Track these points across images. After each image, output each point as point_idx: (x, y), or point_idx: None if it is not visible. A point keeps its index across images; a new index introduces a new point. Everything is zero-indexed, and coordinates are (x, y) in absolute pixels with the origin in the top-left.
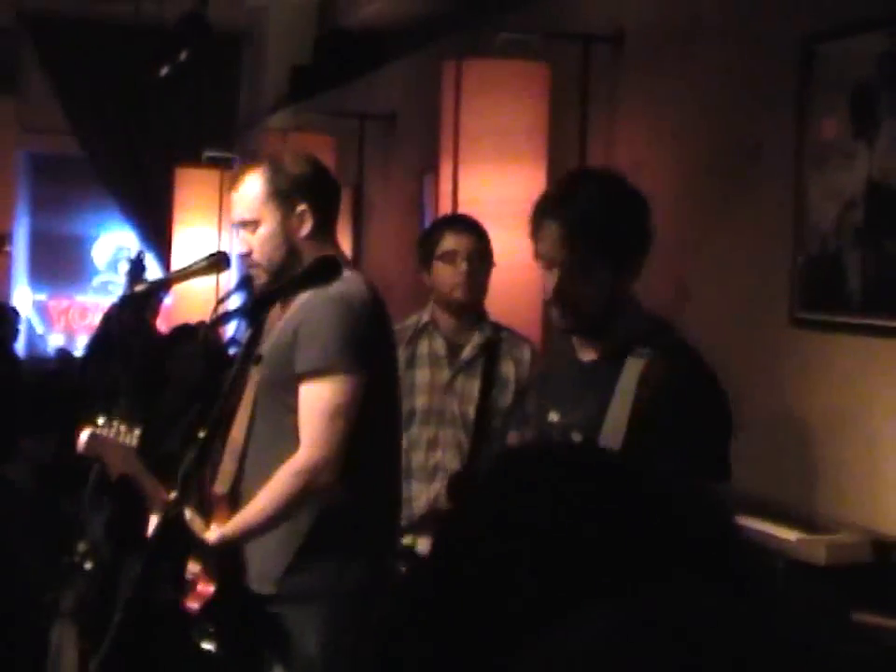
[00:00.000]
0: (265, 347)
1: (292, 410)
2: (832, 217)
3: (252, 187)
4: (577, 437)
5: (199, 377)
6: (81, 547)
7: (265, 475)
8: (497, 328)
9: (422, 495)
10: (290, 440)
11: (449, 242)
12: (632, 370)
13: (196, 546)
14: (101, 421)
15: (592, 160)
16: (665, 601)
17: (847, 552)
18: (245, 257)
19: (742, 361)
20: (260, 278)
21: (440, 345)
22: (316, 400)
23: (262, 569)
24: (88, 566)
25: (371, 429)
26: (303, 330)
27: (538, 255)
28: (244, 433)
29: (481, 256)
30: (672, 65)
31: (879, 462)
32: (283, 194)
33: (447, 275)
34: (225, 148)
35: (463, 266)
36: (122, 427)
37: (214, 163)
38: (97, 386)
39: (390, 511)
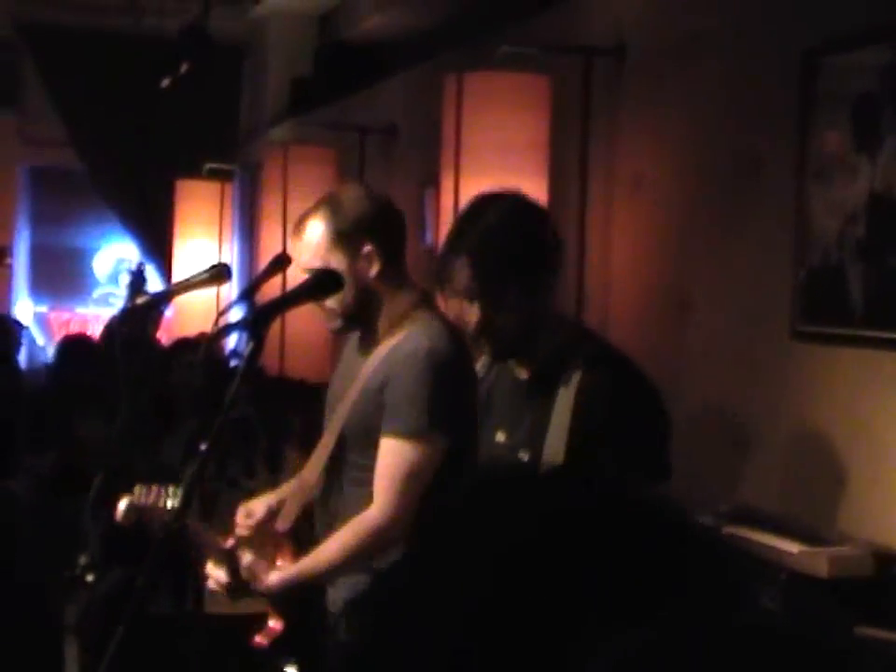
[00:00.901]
0: (346, 396)
1: (364, 468)
2: (833, 231)
3: (314, 232)
4: (524, 455)
5: (200, 390)
6: (82, 560)
7: (340, 518)
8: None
9: None
10: (361, 493)
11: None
12: (568, 384)
13: (261, 591)
14: (137, 490)
15: (593, 173)
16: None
17: (850, 564)
18: (319, 304)
19: (744, 374)
20: (334, 324)
21: None
22: (397, 462)
23: (336, 597)
24: (89, 578)
25: (444, 484)
26: (390, 391)
27: (453, 291)
28: (316, 474)
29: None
30: (673, 79)
31: (882, 474)
32: (347, 237)
33: (461, 311)
34: (226, 161)
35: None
36: (162, 490)
37: (214, 175)
38: (80, 390)
39: None
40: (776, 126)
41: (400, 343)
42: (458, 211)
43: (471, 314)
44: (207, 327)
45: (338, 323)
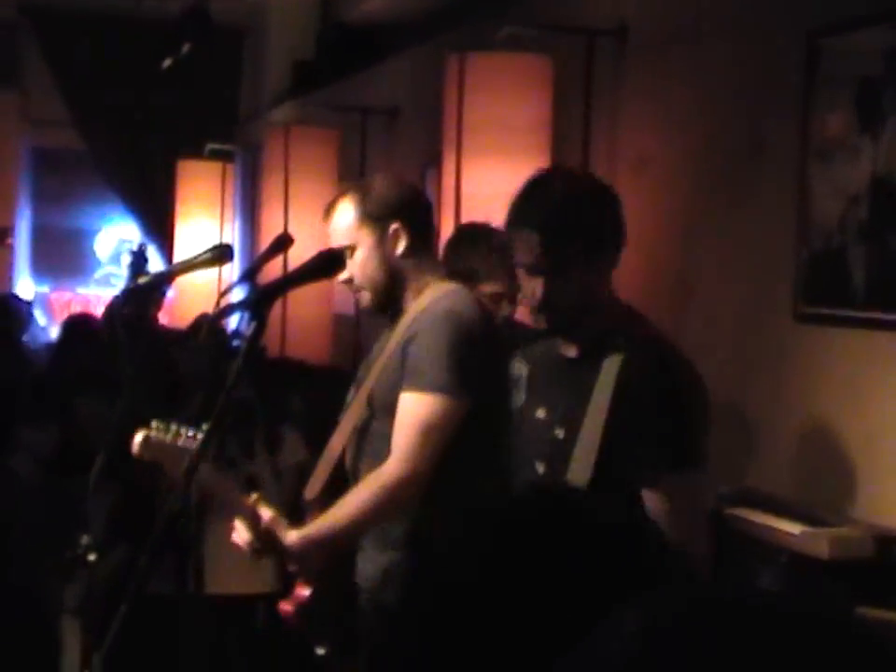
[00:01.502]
0: (374, 366)
1: (390, 435)
2: (836, 213)
3: (345, 214)
4: (559, 433)
5: (202, 370)
6: (84, 539)
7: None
8: (510, 325)
9: None
10: (385, 459)
11: (495, 286)
12: (611, 365)
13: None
14: (155, 424)
15: (595, 153)
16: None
17: (851, 545)
18: (348, 283)
19: (746, 356)
20: (364, 300)
21: None
22: (413, 414)
23: (366, 569)
24: (91, 558)
25: (472, 458)
26: (412, 349)
27: (517, 262)
28: (343, 442)
29: (515, 295)
30: (675, 59)
31: (884, 456)
32: (375, 216)
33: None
34: (227, 142)
35: (508, 310)
36: (182, 430)
37: (216, 156)
38: (82, 370)
39: None
40: (778, 108)
41: (424, 307)
42: (459, 189)
43: (535, 287)
44: (209, 308)
45: (370, 300)
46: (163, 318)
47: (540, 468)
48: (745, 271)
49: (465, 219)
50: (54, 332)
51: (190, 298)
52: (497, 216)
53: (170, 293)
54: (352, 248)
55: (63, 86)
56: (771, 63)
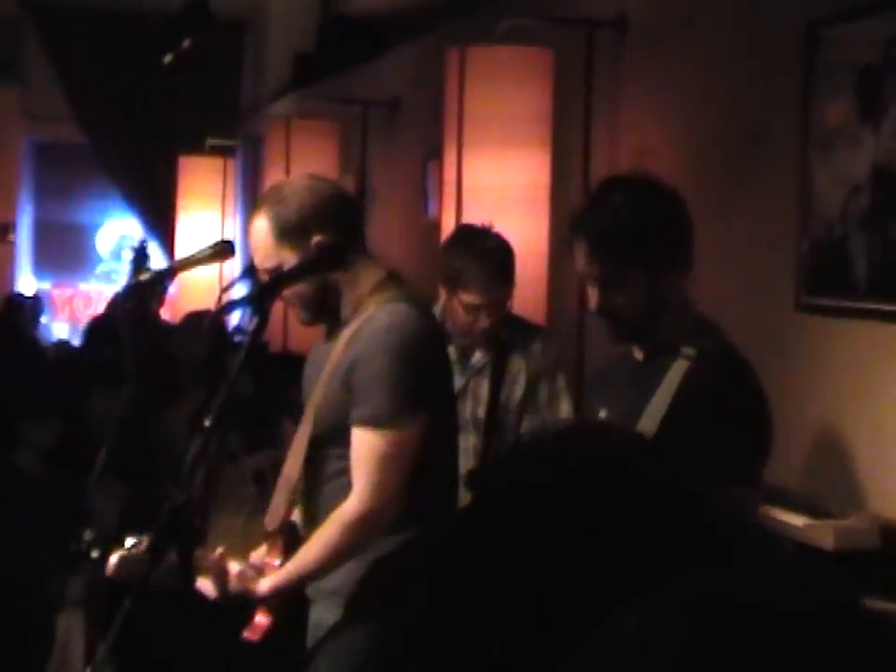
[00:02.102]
0: (317, 385)
1: (343, 457)
2: (837, 202)
3: (262, 233)
4: None
5: (204, 365)
6: (88, 535)
7: (325, 511)
8: (507, 320)
9: None
10: (343, 483)
11: (473, 297)
12: (675, 371)
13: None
14: (129, 542)
15: (596, 145)
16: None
17: (856, 537)
18: (283, 300)
19: (748, 347)
20: (302, 319)
21: (451, 351)
22: (369, 450)
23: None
24: (95, 554)
25: (428, 464)
26: (358, 371)
27: (577, 269)
28: (298, 468)
29: (504, 302)
30: (676, 50)
31: (887, 447)
32: (292, 231)
33: (467, 320)
34: (228, 136)
35: (485, 323)
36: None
37: (217, 151)
38: (96, 368)
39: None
40: (779, 97)
41: (363, 324)
42: (460, 182)
43: (591, 294)
44: (210, 303)
45: (303, 317)
46: (165, 314)
47: None
48: (747, 261)
49: (467, 211)
50: (56, 328)
51: (192, 293)
52: (498, 207)
53: (172, 289)
54: (278, 268)
55: (64, 81)
56: (771, 53)
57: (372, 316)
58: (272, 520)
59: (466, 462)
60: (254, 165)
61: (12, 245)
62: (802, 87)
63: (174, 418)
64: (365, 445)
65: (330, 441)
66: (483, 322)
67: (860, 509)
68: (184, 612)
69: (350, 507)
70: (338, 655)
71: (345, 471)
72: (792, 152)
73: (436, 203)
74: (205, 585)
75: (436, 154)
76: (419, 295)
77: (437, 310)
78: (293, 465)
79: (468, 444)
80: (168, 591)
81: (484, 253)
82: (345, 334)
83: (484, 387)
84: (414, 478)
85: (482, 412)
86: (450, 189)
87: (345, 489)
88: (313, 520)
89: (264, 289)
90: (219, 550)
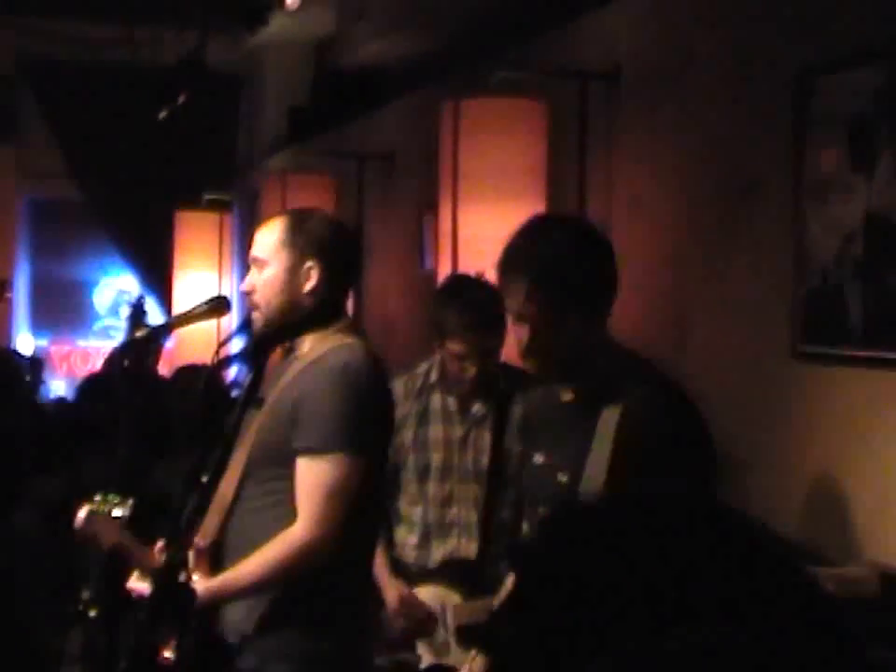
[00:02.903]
0: (267, 403)
1: (286, 477)
2: (832, 250)
3: (273, 231)
4: (563, 478)
5: (201, 420)
6: (85, 594)
7: (249, 536)
8: (506, 370)
9: (439, 550)
10: (281, 504)
11: (456, 345)
12: (610, 413)
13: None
14: (97, 497)
15: (591, 196)
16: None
17: (855, 586)
18: (248, 295)
19: (744, 395)
20: (258, 321)
21: (451, 402)
22: (316, 480)
23: (233, 621)
24: (92, 613)
25: (363, 504)
26: (305, 403)
27: (507, 308)
28: (233, 489)
29: (492, 351)
30: (669, 101)
31: (885, 494)
32: (296, 247)
33: (455, 369)
34: (225, 191)
35: (472, 371)
36: (116, 500)
37: (214, 206)
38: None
39: (365, 587)
40: (772, 146)
41: (316, 360)
42: (455, 234)
43: (520, 332)
44: (207, 358)
45: (261, 323)
46: (163, 369)
47: (545, 513)
48: (742, 310)
49: (462, 264)
50: (54, 385)
51: (189, 348)
52: (494, 259)
53: (169, 344)
54: (263, 264)
55: (59, 138)
56: (763, 103)
57: (327, 353)
58: (203, 538)
59: (468, 511)
60: (250, 220)
61: (9, 302)
62: (794, 137)
63: (168, 475)
64: (310, 474)
65: (263, 464)
66: (471, 371)
67: (858, 556)
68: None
69: (295, 531)
70: None
71: (272, 493)
72: (786, 201)
73: (432, 256)
74: (139, 587)
75: (431, 206)
76: (372, 346)
77: (434, 374)
78: (228, 485)
79: (469, 494)
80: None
81: (466, 302)
82: (297, 365)
83: (485, 437)
84: (354, 512)
85: (484, 461)
86: (445, 241)
87: (269, 513)
88: (235, 538)
89: (259, 344)
90: (159, 545)
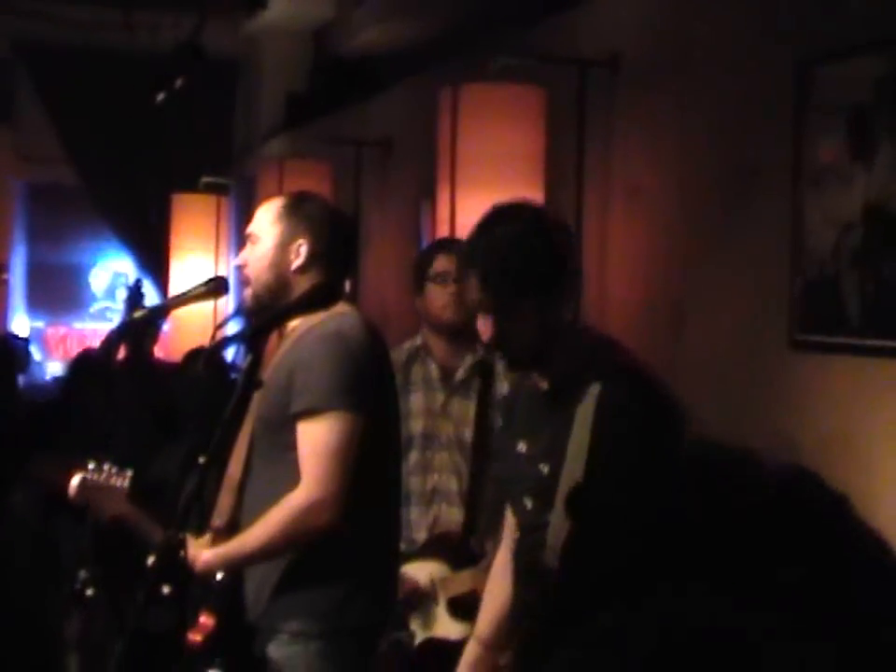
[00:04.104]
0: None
1: (289, 447)
2: (829, 240)
3: (271, 209)
4: (544, 468)
5: (200, 403)
6: (82, 575)
7: (263, 510)
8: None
9: (421, 519)
10: (288, 475)
11: (440, 263)
12: (586, 402)
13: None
14: (91, 465)
15: (588, 184)
16: None
17: None
18: (239, 269)
19: (741, 384)
20: (247, 296)
21: (433, 369)
22: (314, 440)
23: (258, 601)
24: (89, 593)
25: (371, 468)
26: (299, 370)
27: (469, 301)
28: (241, 467)
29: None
30: (668, 89)
31: (880, 484)
32: (289, 224)
33: (437, 296)
34: (222, 175)
35: (452, 287)
36: (113, 470)
37: (211, 190)
38: (86, 410)
39: (390, 547)
40: (771, 136)
41: (309, 329)
42: (453, 220)
43: (485, 325)
44: (205, 340)
45: (250, 298)
46: (159, 352)
47: (528, 503)
48: (739, 299)
49: None
50: (50, 367)
51: (186, 331)
52: None
53: (166, 327)
54: (256, 238)
55: (57, 122)
56: (763, 92)
57: (322, 322)
58: (219, 518)
59: (449, 478)
60: (247, 204)
61: (6, 284)
62: (793, 126)
63: (171, 459)
64: (309, 436)
65: (267, 433)
66: (448, 312)
67: None
68: (177, 653)
69: (298, 494)
70: None
71: (277, 461)
72: (785, 190)
73: (429, 242)
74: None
75: (429, 193)
76: (368, 317)
77: (418, 339)
78: (236, 464)
79: (449, 462)
80: (163, 630)
81: (449, 252)
82: (292, 335)
83: (466, 408)
84: (356, 476)
85: (468, 433)
86: (443, 228)
87: (277, 478)
88: (247, 508)
89: (258, 327)
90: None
